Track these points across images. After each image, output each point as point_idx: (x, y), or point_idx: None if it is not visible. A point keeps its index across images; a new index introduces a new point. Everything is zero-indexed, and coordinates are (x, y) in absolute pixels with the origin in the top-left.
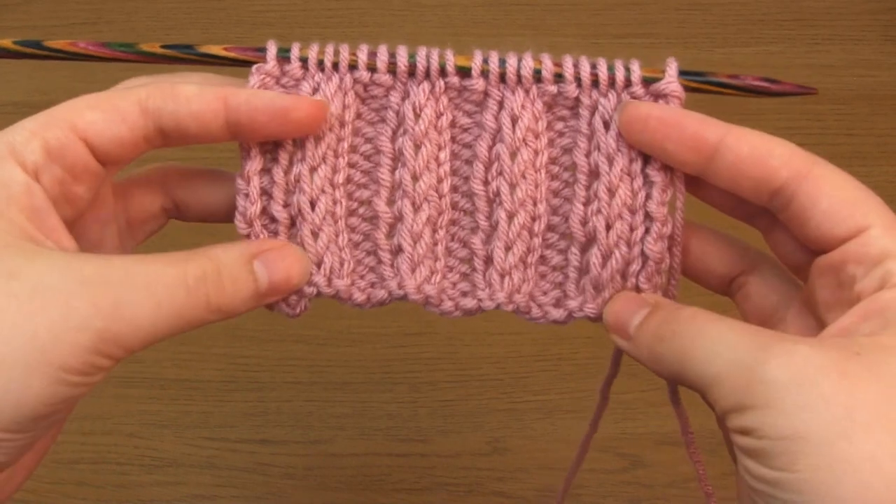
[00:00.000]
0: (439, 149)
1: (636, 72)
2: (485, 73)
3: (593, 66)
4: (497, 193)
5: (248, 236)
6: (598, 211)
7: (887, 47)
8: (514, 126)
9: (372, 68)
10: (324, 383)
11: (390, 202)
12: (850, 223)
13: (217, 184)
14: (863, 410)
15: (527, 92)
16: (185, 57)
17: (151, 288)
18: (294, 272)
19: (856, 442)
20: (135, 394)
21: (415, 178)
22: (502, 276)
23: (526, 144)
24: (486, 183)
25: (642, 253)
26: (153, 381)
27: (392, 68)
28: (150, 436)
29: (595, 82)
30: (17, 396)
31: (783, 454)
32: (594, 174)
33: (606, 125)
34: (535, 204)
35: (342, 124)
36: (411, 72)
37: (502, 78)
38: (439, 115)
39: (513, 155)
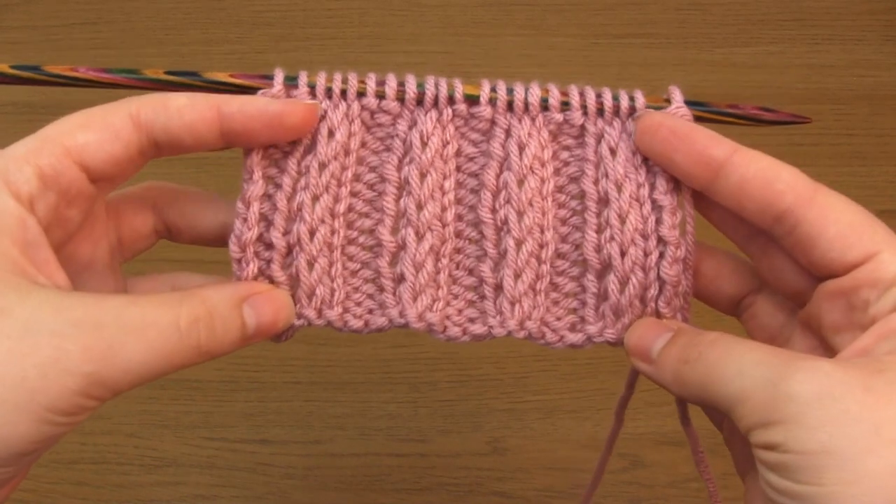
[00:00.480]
0: (444, 178)
1: (640, 100)
2: (492, 101)
3: (598, 95)
4: (505, 221)
5: (239, 261)
6: (612, 238)
7: (887, 47)
8: (521, 154)
9: (380, 95)
10: (324, 383)
11: (394, 231)
12: (859, 249)
13: (210, 208)
14: (889, 426)
15: (533, 120)
16: (190, 83)
17: (143, 332)
18: (280, 317)
19: (883, 456)
20: (135, 394)
21: (419, 207)
22: (512, 304)
23: (533, 172)
24: (493, 211)
25: (659, 277)
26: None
27: (401, 95)
28: (150, 436)
29: (600, 111)
30: (4, 435)
31: (809, 468)
32: (603, 201)
33: (613, 152)
34: (542, 231)
35: (347, 153)
36: (419, 100)
37: (509, 106)
38: (445, 144)
39: (520, 182)
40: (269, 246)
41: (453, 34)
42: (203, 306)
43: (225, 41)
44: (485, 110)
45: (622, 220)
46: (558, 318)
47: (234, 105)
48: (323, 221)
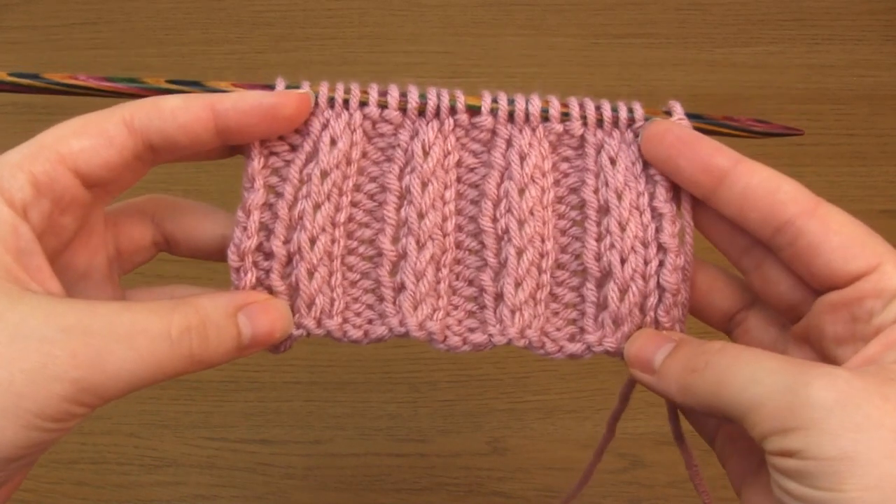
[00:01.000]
0: (445, 187)
1: (639, 111)
2: (493, 112)
3: (598, 107)
4: (506, 230)
5: (237, 270)
6: (612, 245)
7: (887, 47)
8: (522, 163)
9: (382, 105)
10: (324, 383)
11: (395, 240)
12: (862, 260)
13: (209, 220)
14: None
15: (534, 130)
16: (191, 92)
17: (134, 340)
18: (277, 327)
19: None
20: (135, 394)
21: (420, 216)
22: (513, 312)
23: (534, 181)
24: (494, 220)
25: (658, 285)
26: None
27: (403, 105)
28: (150, 436)
29: (599, 122)
30: None
31: (830, 475)
32: (603, 210)
33: (613, 161)
34: (542, 241)
35: (349, 162)
36: (421, 110)
37: (510, 117)
38: (447, 154)
39: (521, 192)
40: (269, 255)
41: (453, 34)
42: (196, 315)
43: (225, 41)
44: (486, 120)
45: (622, 228)
46: (558, 329)
47: (228, 102)
48: (324, 230)
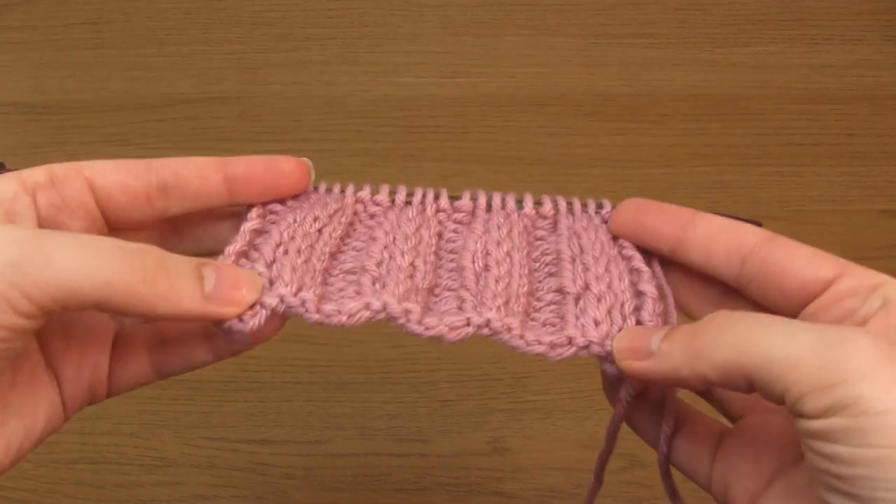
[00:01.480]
0: (427, 246)
1: (607, 204)
2: (473, 199)
3: (569, 203)
4: (485, 268)
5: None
6: (587, 269)
7: (887, 47)
8: (499, 228)
9: (374, 193)
10: (324, 383)
11: (378, 264)
12: (829, 267)
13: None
14: None
15: (509, 215)
16: None
17: (83, 239)
18: (244, 282)
19: None
20: (135, 394)
21: (402, 255)
22: (492, 308)
23: (510, 238)
24: (473, 262)
25: (639, 292)
26: None
27: (392, 198)
28: (150, 436)
29: (570, 210)
30: None
31: (885, 429)
32: (577, 256)
33: (585, 230)
34: (520, 276)
35: (343, 214)
36: (408, 201)
37: (488, 207)
38: (429, 228)
39: (498, 244)
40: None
41: (453, 34)
42: (155, 250)
43: (225, 41)
44: (466, 204)
45: (596, 259)
46: (540, 324)
47: (237, 158)
48: (312, 249)
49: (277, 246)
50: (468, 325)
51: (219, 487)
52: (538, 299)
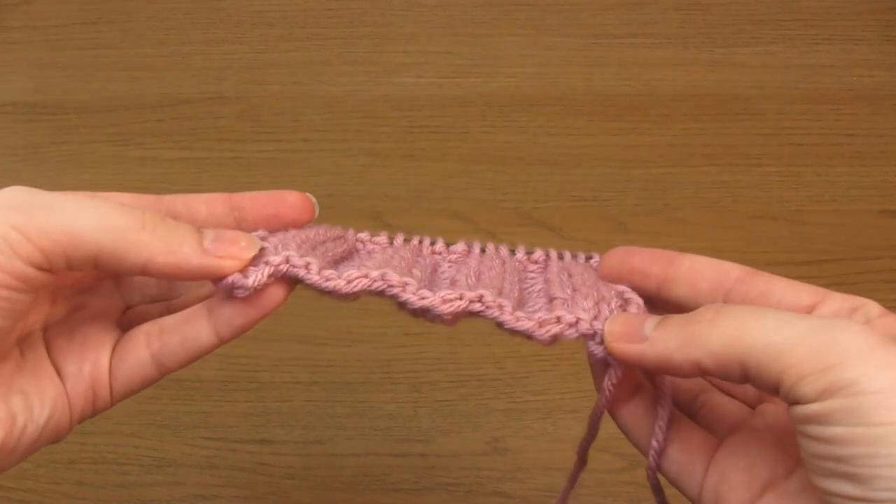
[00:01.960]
0: (421, 267)
1: (596, 257)
2: (468, 246)
3: (560, 254)
4: (477, 280)
5: None
6: (575, 288)
7: (887, 47)
8: (491, 260)
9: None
10: (324, 383)
11: (378, 266)
12: (808, 295)
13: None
14: None
15: (502, 258)
16: None
17: (83, 194)
18: (242, 237)
19: None
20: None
21: (401, 261)
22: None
23: (503, 269)
24: (467, 279)
25: (625, 301)
26: None
27: (391, 240)
28: (150, 436)
29: (561, 258)
30: None
31: (884, 407)
32: (564, 279)
33: (573, 267)
34: (510, 285)
35: (338, 247)
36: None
37: (482, 251)
38: (425, 259)
39: (490, 269)
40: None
41: (453, 34)
42: (150, 210)
43: (225, 41)
44: (460, 247)
45: (584, 281)
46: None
47: (243, 192)
48: (314, 250)
49: (280, 242)
50: (461, 298)
51: (219, 487)
52: (529, 305)
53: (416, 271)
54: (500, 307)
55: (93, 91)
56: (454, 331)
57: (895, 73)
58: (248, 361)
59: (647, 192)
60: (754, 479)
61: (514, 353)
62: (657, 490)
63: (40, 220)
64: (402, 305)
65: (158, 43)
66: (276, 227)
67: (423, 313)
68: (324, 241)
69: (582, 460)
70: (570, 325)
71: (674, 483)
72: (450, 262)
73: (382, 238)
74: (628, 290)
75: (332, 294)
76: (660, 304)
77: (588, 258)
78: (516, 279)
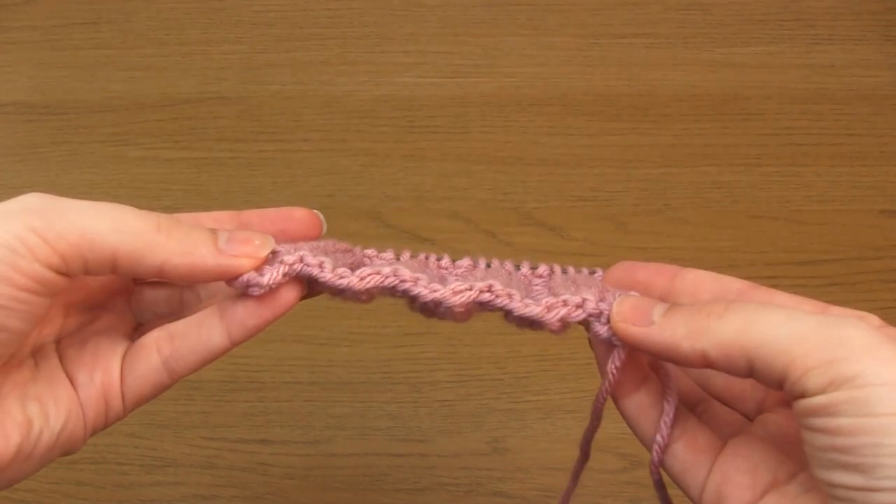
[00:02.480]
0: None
1: (599, 272)
2: (474, 261)
3: (564, 269)
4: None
5: None
6: (579, 288)
7: (887, 47)
8: (497, 272)
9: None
10: (324, 383)
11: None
12: (811, 305)
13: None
14: None
15: (508, 271)
16: None
17: (92, 202)
18: (256, 236)
19: None
20: None
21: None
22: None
23: (510, 278)
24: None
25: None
26: None
27: (397, 256)
28: (150, 436)
29: (565, 271)
30: None
31: (888, 398)
32: (568, 285)
33: (578, 278)
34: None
35: (347, 259)
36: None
37: (488, 266)
38: (432, 272)
39: (496, 277)
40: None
41: (453, 34)
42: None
43: (225, 41)
44: (465, 262)
45: (588, 287)
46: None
47: (251, 210)
48: (325, 255)
49: (294, 248)
50: (471, 288)
51: (219, 487)
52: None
53: (424, 276)
54: (510, 295)
55: (93, 91)
56: (454, 331)
57: (895, 73)
58: (248, 361)
59: (646, 192)
60: (756, 481)
61: (515, 353)
62: (659, 486)
63: (58, 223)
64: (414, 301)
65: (158, 43)
66: (284, 241)
67: (435, 308)
68: (333, 252)
69: (585, 454)
70: (577, 307)
71: (676, 480)
72: (456, 275)
73: (389, 254)
74: (633, 292)
75: (344, 293)
76: None
77: (592, 273)
78: (522, 289)
